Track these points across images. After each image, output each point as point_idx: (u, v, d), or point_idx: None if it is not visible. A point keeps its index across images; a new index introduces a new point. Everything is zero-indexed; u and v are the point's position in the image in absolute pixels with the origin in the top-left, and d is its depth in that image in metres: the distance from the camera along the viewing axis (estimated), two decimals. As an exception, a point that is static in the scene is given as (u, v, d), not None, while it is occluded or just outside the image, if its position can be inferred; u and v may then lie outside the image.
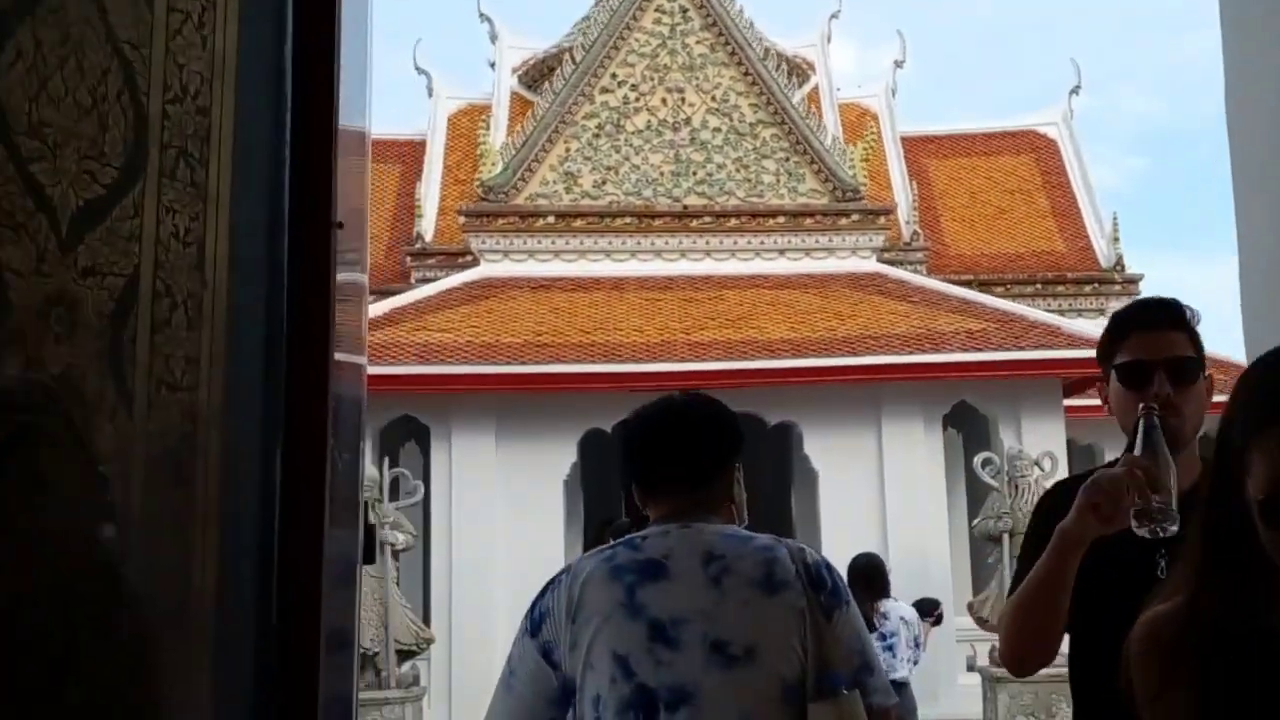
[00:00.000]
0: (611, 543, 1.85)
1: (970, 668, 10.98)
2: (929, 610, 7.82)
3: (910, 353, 10.87)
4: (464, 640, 10.74)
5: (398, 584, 11.20)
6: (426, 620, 10.68)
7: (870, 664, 1.72)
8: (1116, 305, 16.38)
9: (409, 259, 16.29)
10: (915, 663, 5.96)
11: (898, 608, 6.04)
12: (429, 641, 9.88)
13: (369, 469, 10.17)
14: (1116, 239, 16.71)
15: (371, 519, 9.84)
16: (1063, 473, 10.22)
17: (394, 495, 9.98)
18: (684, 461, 1.80)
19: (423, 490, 9.99)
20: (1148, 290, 16.64)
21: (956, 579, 11.32)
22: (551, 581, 1.80)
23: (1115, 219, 17.11)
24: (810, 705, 1.59)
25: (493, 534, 10.94)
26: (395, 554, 9.80)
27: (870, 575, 6.05)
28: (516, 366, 10.75)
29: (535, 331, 11.39)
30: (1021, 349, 10.88)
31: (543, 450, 11.13)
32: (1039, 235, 17.34)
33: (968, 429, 12.35)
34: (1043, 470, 9.96)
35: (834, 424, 11.23)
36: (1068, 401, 11.50)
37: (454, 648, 10.73)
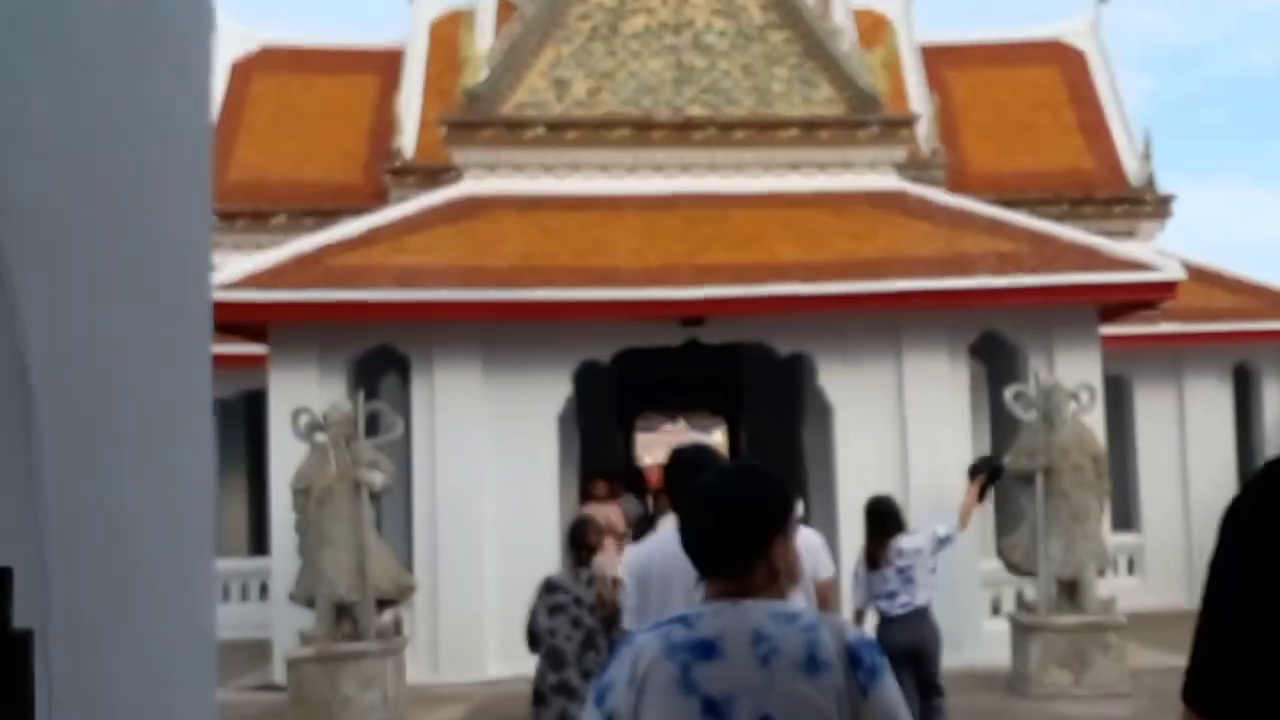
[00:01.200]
0: (668, 619, 2.00)
1: (995, 612, 10.50)
2: (984, 469, 8.51)
3: (935, 277, 10.18)
4: (450, 587, 10.20)
5: (378, 528, 10.67)
6: (410, 566, 10.14)
7: None
8: (1148, 227, 15.70)
9: (388, 177, 15.48)
10: (933, 588, 6.51)
11: (912, 539, 6.44)
12: (411, 589, 9.34)
13: (342, 404, 9.54)
14: (1148, 157, 15.94)
15: (346, 459, 9.23)
16: (1101, 408, 9.61)
17: (371, 432, 9.37)
18: (728, 553, 1.97)
19: (402, 427, 9.35)
20: (1179, 214, 15.90)
21: (980, 520, 10.75)
22: (614, 655, 2.01)
23: (1148, 136, 16.31)
24: None
25: (480, 474, 10.35)
26: (373, 496, 9.21)
27: (882, 517, 6.58)
28: (503, 292, 10.05)
29: (524, 254, 10.65)
30: (1057, 273, 10.18)
31: (533, 384, 10.49)
32: (1066, 152, 16.54)
33: (993, 360, 11.71)
34: (1079, 404, 9.36)
35: (851, 355, 10.58)
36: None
37: (439, 595, 10.21)
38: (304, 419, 9.30)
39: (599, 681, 1.97)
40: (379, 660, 8.86)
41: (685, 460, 3.79)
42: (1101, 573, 9.10)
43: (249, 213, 15.93)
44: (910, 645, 6.08)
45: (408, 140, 15.84)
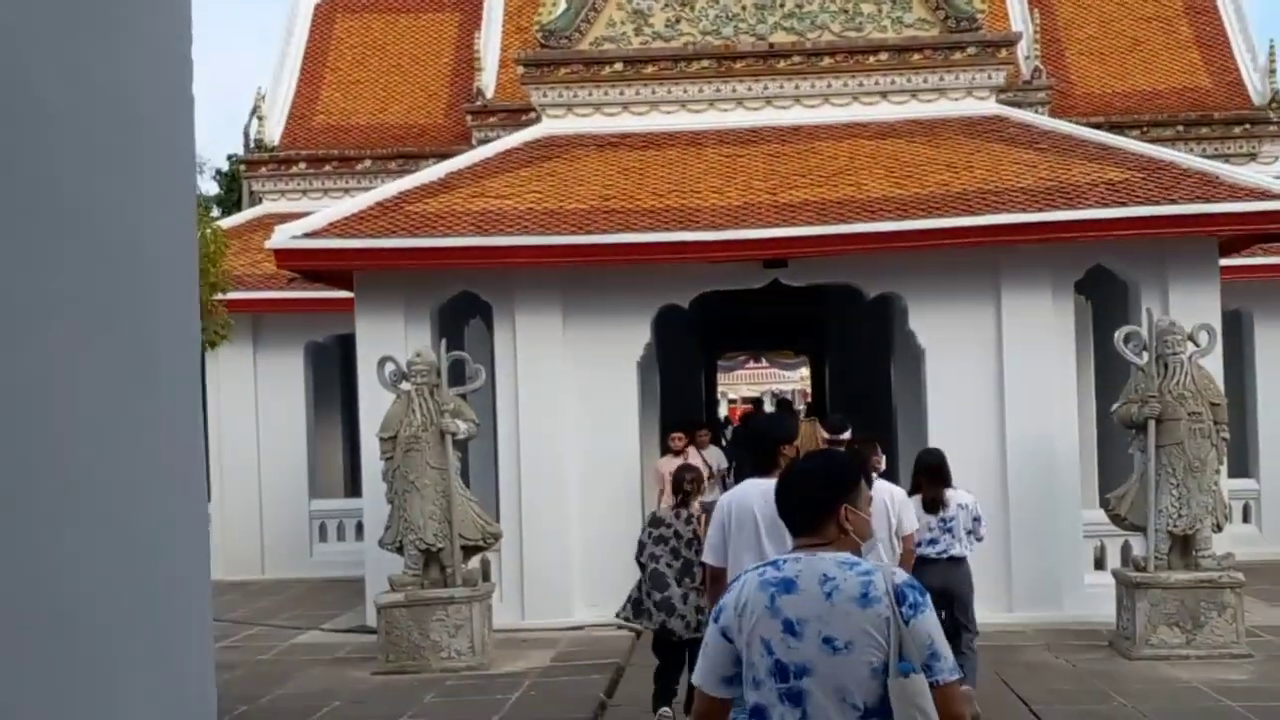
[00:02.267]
0: (763, 563, 2.73)
1: (1098, 566, 9.85)
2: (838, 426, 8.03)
3: (1038, 210, 9.38)
4: (535, 533, 10.00)
5: (464, 476, 10.52)
6: (495, 514, 9.96)
7: (938, 652, 2.45)
8: (1271, 149, 14.39)
9: (469, 118, 15.08)
10: (979, 538, 6.89)
11: (956, 495, 6.79)
12: (496, 536, 9.14)
13: (426, 353, 9.30)
14: (1273, 72, 14.55)
15: (430, 408, 9.01)
16: (1220, 350, 8.79)
17: (455, 380, 9.13)
18: (805, 517, 2.66)
19: (484, 375, 9.07)
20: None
21: (1083, 469, 10.08)
22: (727, 587, 2.75)
23: (1272, 48, 14.87)
24: (889, 682, 2.40)
25: (562, 421, 10.05)
26: (457, 444, 9.00)
27: (939, 468, 6.96)
28: (582, 237, 9.62)
29: (603, 196, 10.18)
30: (1173, 202, 9.28)
31: (613, 329, 10.10)
32: (1180, 69, 15.23)
33: (1100, 299, 10.86)
34: (1198, 346, 8.56)
35: (945, 294, 9.89)
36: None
37: (525, 541, 10.01)
38: (389, 368, 9.09)
39: (717, 606, 2.67)
40: (466, 606, 8.72)
41: (760, 430, 5.12)
42: (1219, 528, 8.38)
43: (335, 157, 15.77)
44: (941, 588, 6.22)
45: (488, 79, 15.40)
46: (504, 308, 10.21)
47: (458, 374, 9.11)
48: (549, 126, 11.34)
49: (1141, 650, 8.13)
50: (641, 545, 6.74)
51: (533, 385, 10.08)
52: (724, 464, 9.75)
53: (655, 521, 6.79)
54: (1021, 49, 14.04)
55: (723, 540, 4.65)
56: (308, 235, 9.80)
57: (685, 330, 15.58)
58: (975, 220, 9.40)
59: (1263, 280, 12.27)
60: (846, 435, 7.33)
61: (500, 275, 10.10)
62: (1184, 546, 8.40)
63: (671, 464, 9.55)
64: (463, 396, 9.20)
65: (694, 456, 9.64)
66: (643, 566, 6.63)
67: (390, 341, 9.74)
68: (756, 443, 5.03)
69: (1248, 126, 14.48)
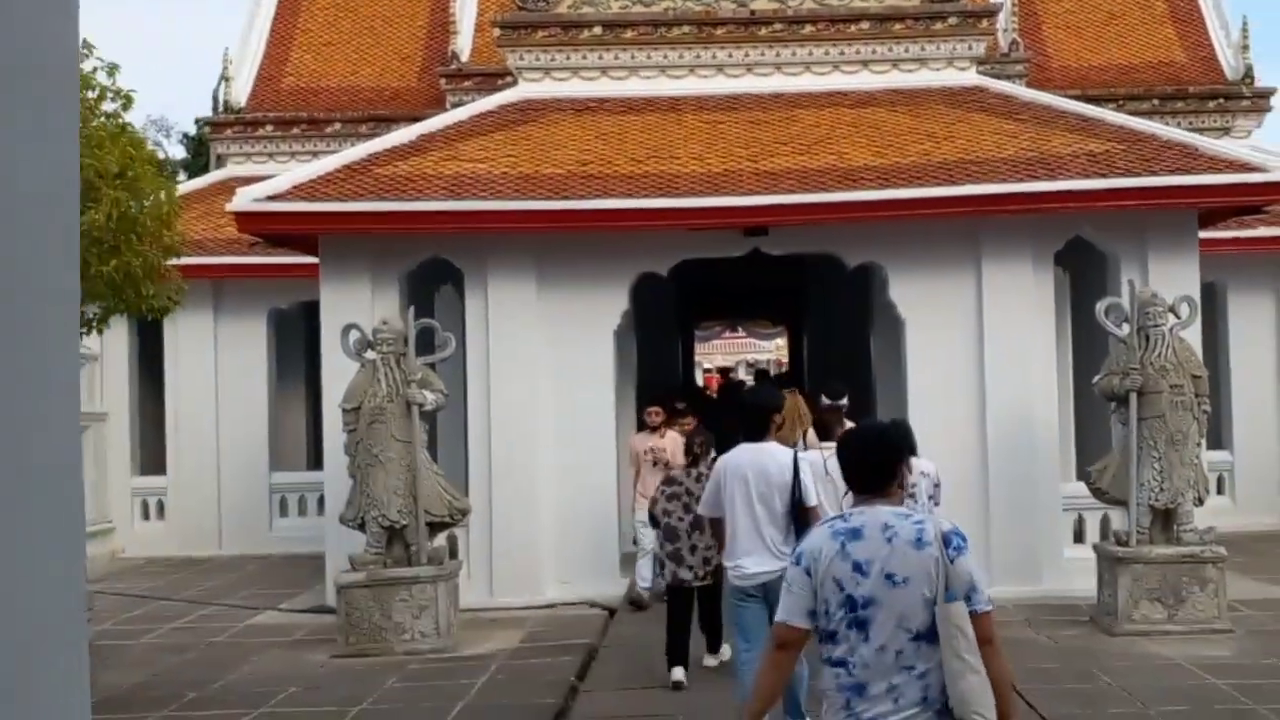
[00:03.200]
0: (833, 517, 3.36)
1: (1077, 540, 9.66)
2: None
3: (1019, 180, 9.10)
4: (505, 509, 9.65)
5: (432, 449, 10.13)
6: (464, 489, 9.62)
7: (975, 586, 2.97)
8: (1244, 124, 14.19)
9: (444, 81, 14.57)
10: (937, 504, 6.61)
11: (919, 463, 6.50)
12: (464, 512, 8.77)
13: (393, 320, 8.89)
14: (1246, 47, 14.37)
15: (396, 377, 8.62)
16: (1198, 322, 8.57)
17: (423, 349, 8.74)
18: (868, 478, 3.14)
19: (454, 344, 8.68)
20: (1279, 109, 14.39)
21: (1062, 442, 9.86)
22: (805, 537, 3.29)
23: (1245, 23, 14.68)
24: (937, 608, 2.90)
25: (535, 392, 9.69)
26: (424, 415, 8.61)
27: (908, 435, 6.75)
28: (558, 202, 9.22)
29: (579, 161, 9.78)
30: (1154, 174, 9.03)
31: (589, 297, 9.73)
32: (1156, 43, 15.00)
33: (1079, 270, 10.62)
34: (1179, 318, 8.33)
35: (926, 265, 9.61)
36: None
37: (494, 518, 9.65)
38: (353, 336, 8.68)
39: (796, 551, 3.17)
40: (430, 586, 8.35)
41: (753, 401, 5.94)
42: (1200, 501, 8.18)
43: (304, 120, 15.21)
44: None
45: (463, 42, 14.88)
46: (476, 275, 9.80)
47: (426, 343, 8.72)
48: (525, 90, 10.90)
49: (1123, 626, 7.94)
50: (654, 500, 7.41)
51: (505, 355, 9.70)
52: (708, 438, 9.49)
53: (669, 480, 7.39)
54: (999, 21, 13.73)
55: (716, 495, 5.50)
56: (270, 198, 9.34)
57: (663, 299, 15.23)
58: (956, 190, 9.10)
59: (1236, 254, 12.10)
60: (844, 402, 7.40)
61: (472, 241, 9.69)
62: (1165, 520, 8.21)
63: (646, 441, 9.25)
64: (431, 366, 8.81)
65: (670, 440, 9.21)
66: (655, 520, 7.20)
67: (356, 309, 9.32)
68: (750, 412, 5.69)
69: (1221, 101, 14.29)
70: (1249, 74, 14.17)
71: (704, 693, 6.77)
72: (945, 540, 2.95)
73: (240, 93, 15.41)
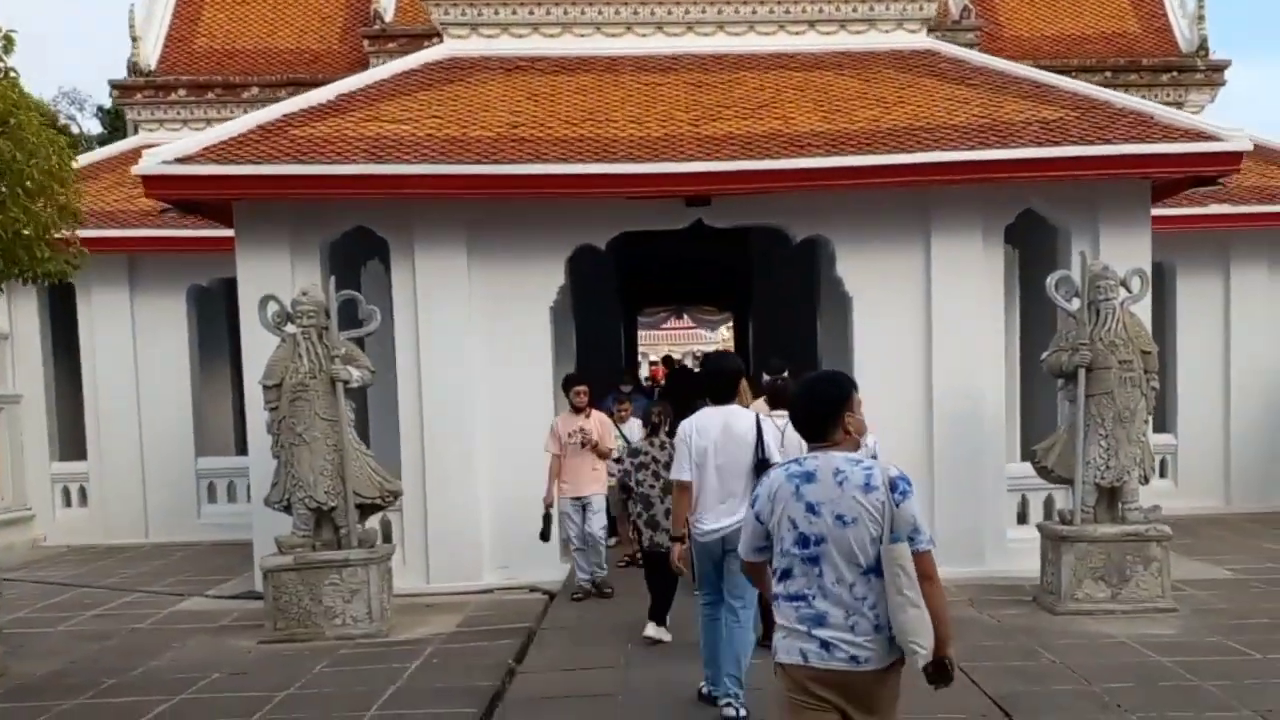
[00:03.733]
0: (789, 460, 3.60)
1: (1021, 521, 9.82)
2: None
3: (971, 148, 9.14)
4: (440, 491, 9.55)
5: (360, 430, 9.98)
6: (397, 470, 9.49)
7: (918, 527, 3.38)
8: (1197, 99, 14.45)
9: (366, 43, 14.29)
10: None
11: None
12: (395, 494, 8.63)
13: (313, 291, 8.69)
14: (1201, 18, 14.62)
15: (319, 352, 8.44)
16: (1148, 299, 8.71)
17: (350, 324, 8.57)
18: (819, 426, 3.52)
19: (379, 317, 8.51)
20: (1232, 85, 14.66)
21: (1007, 420, 9.98)
22: (762, 480, 3.62)
23: (1200, -5, 14.92)
24: (882, 548, 3.32)
25: (469, 369, 9.57)
26: (350, 393, 8.44)
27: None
28: (488, 167, 9.07)
29: (510, 124, 9.63)
30: (1108, 142, 9.14)
31: (524, 270, 9.61)
32: (1109, 14, 15.23)
33: (1026, 245, 10.75)
34: (1130, 293, 8.46)
35: (874, 237, 9.64)
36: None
37: (429, 500, 9.54)
38: (271, 308, 8.49)
39: (752, 495, 3.61)
40: (362, 569, 8.23)
41: (720, 366, 6.14)
42: (1145, 480, 8.34)
43: (219, 84, 14.82)
44: None
45: (387, 1, 14.57)
46: (402, 245, 9.63)
47: (350, 317, 8.55)
48: (452, 48, 10.71)
49: (1066, 605, 8.08)
50: (625, 471, 8.21)
51: (435, 330, 9.55)
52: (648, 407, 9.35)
53: (634, 451, 8.10)
54: (952, -14, 13.82)
55: (688, 458, 5.79)
56: (179, 160, 9.06)
57: (604, 281, 15.16)
58: (907, 158, 9.13)
59: (1185, 232, 12.33)
60: (785, 375, 8.15)
61: (397, 208, 9.51)
62: (1110, 499, 8.35)
63: (571, 423, 9.11)
64: (359, 342, 8.64)
65: (596, 422, 9.20)
66: (627, 489, 7.89)
67: (275, 280, 9.13)
68: (716, 377, 6.04)
69: (1175, 74, 14.54)
70: (1203, 46, 14.42)
71: (643, 669, 6.81)
72: (892, 485, 3.35)
73: (150, 55, 14.97)
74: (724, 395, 5.91)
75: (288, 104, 10.09)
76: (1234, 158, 9.13)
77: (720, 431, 5.77)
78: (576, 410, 9.20)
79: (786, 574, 3.41)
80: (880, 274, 9.63)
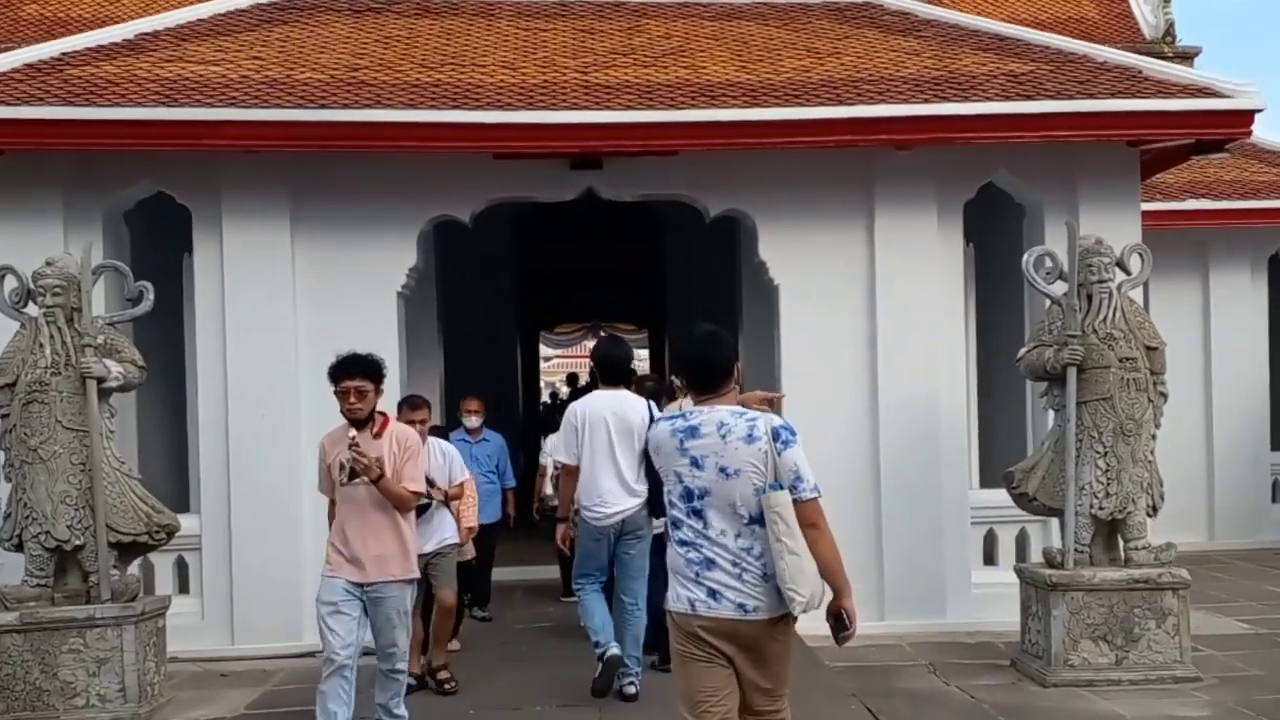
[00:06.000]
0: (674, 414, 3.60)
1: (989, 561, 7.98)
2: None
3: (925, 100, 7.39)
4: (250, 527, 7.43)
5: (139, 444, 7.83)
6: (185, 497, 7.34)
7: (800, 475, 3.36)
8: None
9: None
10: None
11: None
12: (167, 529, 6.41)
13: (61, 261, 6.60)
14: (1166, 3, 13.23)
15: (67, 341, 6.28)
16: (1142, 279, 6.99)
17: (124, 304, 6.52)
18: (707, 377, 3.52)
19: (151, 296, 6.41)
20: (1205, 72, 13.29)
21: (967, 432, 8.15)
22: (649, 430, 3.78)
23: (1164, -27, 13.58)
24: (763, 496, 3.30)
25: (291, 371, 7.49)
26: (106, 394, 6.33)
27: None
28: (313, 112, 7.09)
29: (350, 66, 7.70)
30: (1091, 97, 7.47)
31: (364, 247, 7.64)
32: (1064, -2, 13.81)
33: (980, 229, 8.98)
34: (1128, 275, 6.73)
35: (805, 213, 7.84)
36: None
37: (235, 538, 7.40)
38: (10, 284, 6.39)
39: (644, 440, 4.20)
40: (114, 631, 6.09)
41: (611, 354, 6.18)
42: (1154, 510, 6.55)
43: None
44: None
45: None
46: (208, 214, 7.57)
47: (124, 297, 6.50)
48: (289, -19, 8.74)
49: (1060, 673, 6.19)
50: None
51: (246, 321, 7.48)
52: (454, 471, 6.58)
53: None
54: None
55: (575, 441, 5.76)
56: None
57: (498, 290, 13.19)
58: (844, 111, 7.34)
59: (1161, 230, 10.68)
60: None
61: (201, 167, 7.48)
62: (1109, 535, 6.54)
63: (343, 439, 5.18)
64: (127, 326, 6.52)
65: (390, 443, 5.23)
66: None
67: (43, 254, 6.97)
68: (609, 363, 6.02)
69: (1137, 66, 13.09)
70: (1170, 32, 13.05)
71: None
72: (775, 435, 3.38)
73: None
74: (616, 380, 5.94)
75: (68, 41, 8.04)
76: (1242, 117, 7.51)
77: (614, 414, 5.79)
78: (351, 422, 5.19)
79: (675, 524, 3.49)
80: (812, 257, 7.81)
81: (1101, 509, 6.40)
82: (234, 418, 7.41)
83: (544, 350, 23.19)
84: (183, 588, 7.53)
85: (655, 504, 5.73)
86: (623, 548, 5.82)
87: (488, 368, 12.27)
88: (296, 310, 7.54)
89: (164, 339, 8.02)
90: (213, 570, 7.45)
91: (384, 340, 7.63)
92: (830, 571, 3.29)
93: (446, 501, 6.45)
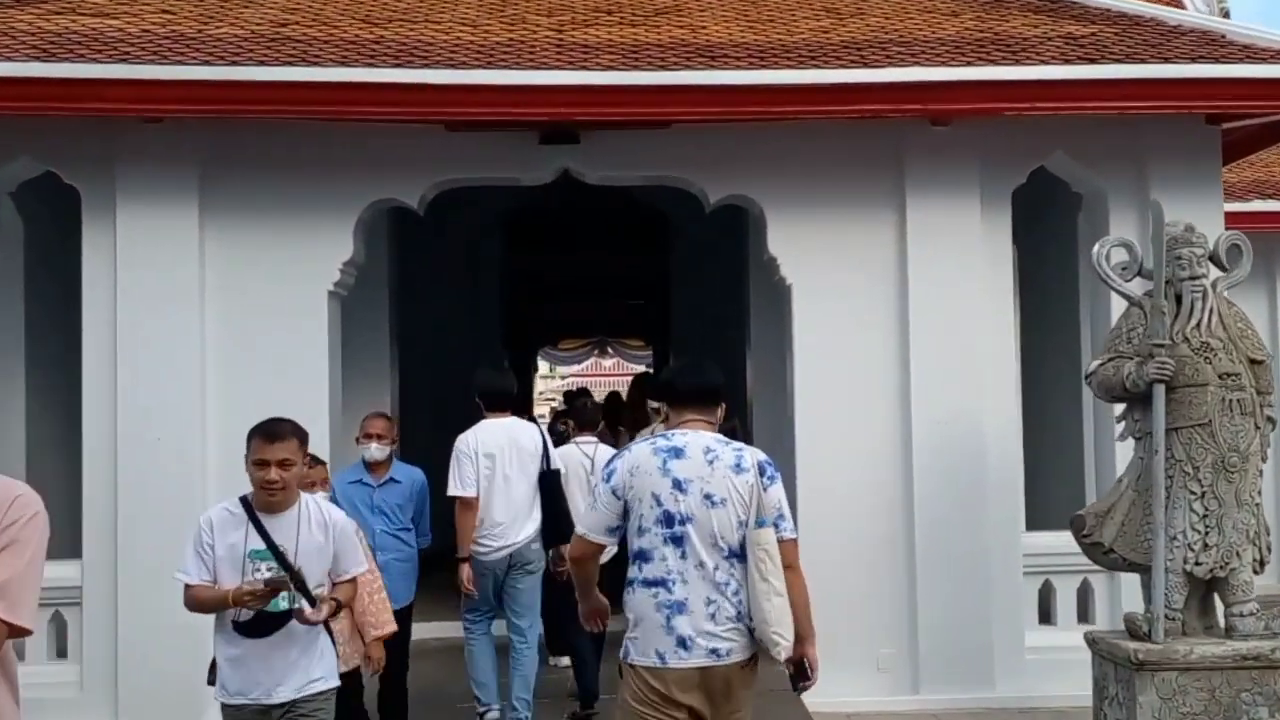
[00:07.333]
0: (656, 435, 3.57)
1: (1045, 619, 6.71)
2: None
3: (968, 63, 6.16)
4: (142, 579, 6.12)
5: None
6: (78, 543, 6.14)
7: (784, 514, 3.39)
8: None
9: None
10: None
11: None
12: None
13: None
14: (1216, -13, 12.05)
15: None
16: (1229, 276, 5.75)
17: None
18: (702, 396, 3.55)
19: None
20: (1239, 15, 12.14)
21: (1018, 462, 6.87)
22: (617, 455, 3.62)
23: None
24: (748, 532, 3.30)
25: (196, 384, 6.24)
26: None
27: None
28: (223, 69, 5.86)
29: (277, 21, 6.48)
30: (1166, 61, 6.24)
31: (289, 236, 6.40)
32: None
33: (1029, 219, 7.73)
34: (1225, 271, 5.48)
35: (823, 200, 6.62)
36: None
37: (122, 593, 6.11)
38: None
39: (608, 468, 3.53)
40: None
41: (491, 384, 5.97)
42: (1261, 565, 5.26)
43: None
44: None
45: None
46: (99, 193, 6.33)
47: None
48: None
49: (1149, 777, 4.89)
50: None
51: (141, 320, 6.24)
52: (340, 522, 4.26)
53: None
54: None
55: (473, 470, 5.58)
56: None
57: (479, 302, 11.93)
58: (869, 75, 6.12)
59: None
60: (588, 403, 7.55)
61: (93, 139, 6.25)
62: (1206, 595, 5.25)
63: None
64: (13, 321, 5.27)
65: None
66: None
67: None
68: (493, 393, 5.88)
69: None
70: (1224, 18, 11.85)
71: None
72: (760, 469, 3.39)
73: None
74: (499, 406, 5.79)
75: (-60, -12, 6.80)
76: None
77: (507, 443, 5.64)
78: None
79: (643, 556, 3.37)
80: (831, 252, 6.58)
81: (1199, 564, 5.11)
82: (123, 443, 6.14)
83: (555, 368, 21.93)
84: (60, 651, 6.23)
85: (553, 533, 5.64)
86: (512, 581, 5.60)
87: (467, 388, 10.95)
88: (204, 312, 6.30)
89: (65, 334, 6.74)
90: (95, 629, 6.15)
91: (311, 346, 6.42)
92: (802, 613, 3.32)
93: (327, 621, 3.83)
